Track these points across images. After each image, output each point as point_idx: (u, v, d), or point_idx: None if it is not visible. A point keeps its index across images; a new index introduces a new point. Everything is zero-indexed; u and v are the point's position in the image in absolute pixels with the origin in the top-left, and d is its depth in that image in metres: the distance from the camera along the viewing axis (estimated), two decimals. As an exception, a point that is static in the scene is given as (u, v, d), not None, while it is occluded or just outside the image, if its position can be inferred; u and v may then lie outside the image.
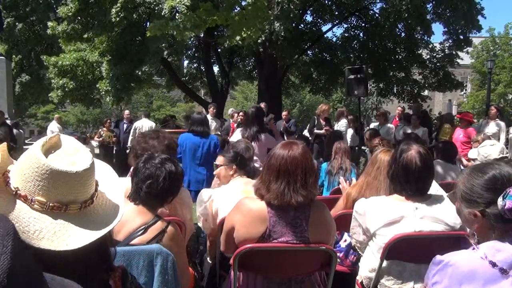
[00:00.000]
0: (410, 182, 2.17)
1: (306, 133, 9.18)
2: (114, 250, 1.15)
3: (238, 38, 7.26)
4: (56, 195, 0.97)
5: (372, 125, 10.22)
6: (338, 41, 16.08)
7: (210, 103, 11.47)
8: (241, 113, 10.22)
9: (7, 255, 0.56)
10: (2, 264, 0.56)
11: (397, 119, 9.79)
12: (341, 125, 8.86)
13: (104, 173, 1.17)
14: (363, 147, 8.57)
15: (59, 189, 0.97)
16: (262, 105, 9.07)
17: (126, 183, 2.47)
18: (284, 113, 10.13)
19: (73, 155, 1.03)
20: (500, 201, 1.26)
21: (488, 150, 4.12)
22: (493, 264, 1.25)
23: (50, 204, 0.96)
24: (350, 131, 9.04)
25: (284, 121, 9.79)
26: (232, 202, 2.54)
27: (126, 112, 11.74)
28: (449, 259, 1.31)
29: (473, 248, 1.32)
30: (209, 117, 9.79)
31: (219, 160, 3.09)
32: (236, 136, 4.49)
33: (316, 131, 8.62)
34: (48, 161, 0.96)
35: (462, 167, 5.81)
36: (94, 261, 1.03)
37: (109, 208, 1.08)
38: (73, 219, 0.98)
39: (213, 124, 9.50)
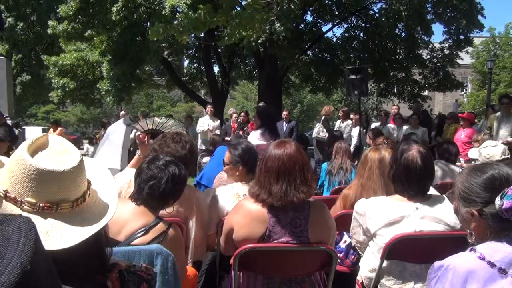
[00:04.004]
0: (412, 182, 2.17)
1: (321, 133, 9.14)
2: (110, 250, 1.14)
3: (237, 37, 7.26)
4: (45, 195, 0.96)
5: (373, 125, 10.18)
6: (338, 41, 16.07)
7: (209, 103, 11.46)
8: (242, 114, 10.20)
9: (31, 246, 0.61)
10: (26, 252, 0.60)
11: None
12: (346, 125, 8.87)
13: (97, 171, 1.16)
14: (364, 147, 8.55)
15: (47, 189, 0.96)
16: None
17: (126, 178, 2.45)
18: (284, 113, 9.96)
19: (62, 154, 1.03)
20: (497, 201, 1.26)
21: (490, 151, 4.09)
22: (492, 265, 1.25)
23: (41, 205, 0.96)
24: (356, 131, 9.01)
25: (285, 122, 9.68)
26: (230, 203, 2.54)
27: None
28: (448, 263, 1.31)
29: (471, 249, 1.32)
30: (207, 116, 9.80)
31: (226, 157, 2.93)
32: (254, 138, 4.26)
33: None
34: (34, 161, 0.96)
35: (461, 168, 5.81)
36: (84, 260, 1.02)
37: (102, 206, 1.08)
38: (65, 218, 0.98)
39: (210, 124, 9.50)
